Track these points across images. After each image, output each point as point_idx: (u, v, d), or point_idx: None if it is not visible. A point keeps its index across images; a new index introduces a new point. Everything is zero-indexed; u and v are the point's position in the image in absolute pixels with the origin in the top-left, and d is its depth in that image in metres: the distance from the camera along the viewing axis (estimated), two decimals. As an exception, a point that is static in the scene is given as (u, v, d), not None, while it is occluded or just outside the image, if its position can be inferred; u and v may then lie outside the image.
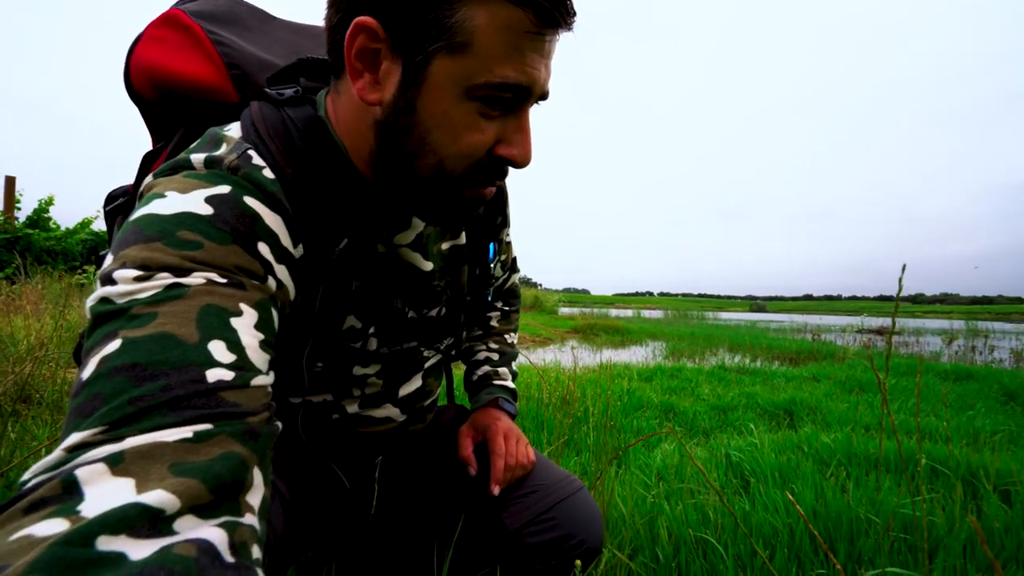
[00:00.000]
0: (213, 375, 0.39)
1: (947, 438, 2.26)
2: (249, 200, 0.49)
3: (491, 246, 0.82)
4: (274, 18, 0.84)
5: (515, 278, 1.05)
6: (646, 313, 22.45)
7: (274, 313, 0.48)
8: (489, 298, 0.86)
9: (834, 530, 1.05)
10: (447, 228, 0.72)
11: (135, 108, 0.79)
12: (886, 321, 15.66)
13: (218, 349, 0.40)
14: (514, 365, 1.00)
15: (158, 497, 0.31)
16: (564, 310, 20.34)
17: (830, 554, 0.57)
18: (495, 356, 0.98)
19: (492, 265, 0.84)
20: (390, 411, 0.77)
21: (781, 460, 1.55)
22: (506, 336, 1.02)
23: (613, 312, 20.46)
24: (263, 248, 0.48)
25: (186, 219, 0.45)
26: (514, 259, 1.01)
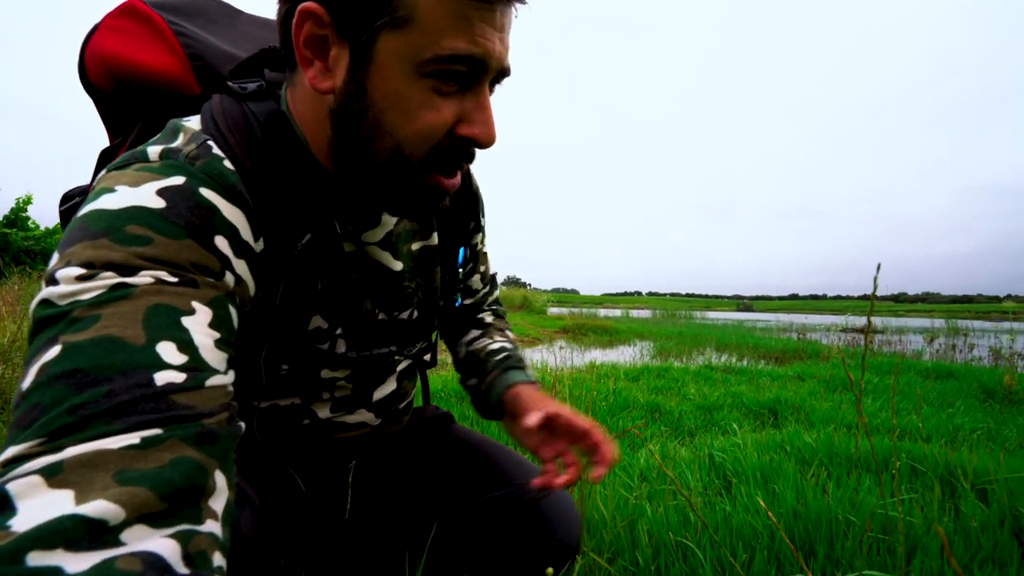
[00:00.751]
0: (162, 378, 0.37)
1: (927, 437, 2.29)
2: (206, 192, 0.47)
3: (461, 250, 0.80)
4: (241, 13, 0.82)
5: (495, 297, 1.00)
6: (635, 313, 22.57)
7: (232, 310, 0.47)
8: (457, 303, 0.84)
9: (814, 531, 1.05)
10: (411, 217, 0.69)
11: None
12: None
13: (167, 350, 0.38)
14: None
15: (99, 508, 0.30)
16: (553, 310, 20.37)
17: (802, 562, 0.56)
18: (510, 345, 0.88)
19: (462, 271, 0.82)
20: (364, 416, 0.75)
21: (763, 460, 1.55)
22: (508, 332, 0.95)
23: (602, 312, 20.54)
24: (220, 242, 0.47)
25: (135, 213, 0.43)
26: (493, 275, 0.97)
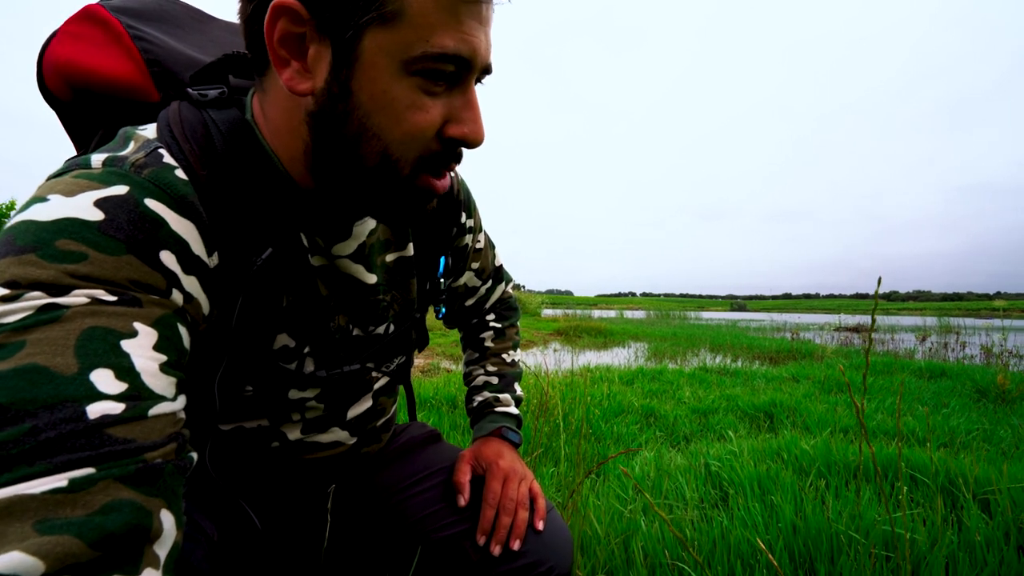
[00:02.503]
0: (96, 410, 0.34)
1: (923, 440, 2.27)
2: (151, 203, 0.43)
3: (442, 260, 0.76)
4: (213, 18, 0.78)
5: (504, 288, 0.98)
6: (629, 314, 22.60)
7: (182, 330, 0.43)
8: (441, 313, 0.80)
9: (814, 548, 1.01)
10: (401, 224, 0.64)
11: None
12: (862, 319, 16.04)
13: (103, 379, 0.35)
14: (518, 387, 0.94)
15: (13, 561, 0.27)
16: (547, 312, 20.37)
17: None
18: (494, 380, 0.92)
19: (444, 281, 0.78)
20: (338, 434, 0.71)
21: (760, 470, 1.51)
22: (504, 356, 0.96)
23: (596, 313, 20.56)
24: (166, 257, 0.43)
25: (68, 226, 0.38)
26: (498, 267, 0.94)
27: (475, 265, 0.87)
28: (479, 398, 0.91)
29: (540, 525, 0.74)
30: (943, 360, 6.63)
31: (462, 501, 0.76)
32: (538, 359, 6.50)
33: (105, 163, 0.44)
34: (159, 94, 0.64)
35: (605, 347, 8.89)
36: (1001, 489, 1.14)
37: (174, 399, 0.40)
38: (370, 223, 0.63)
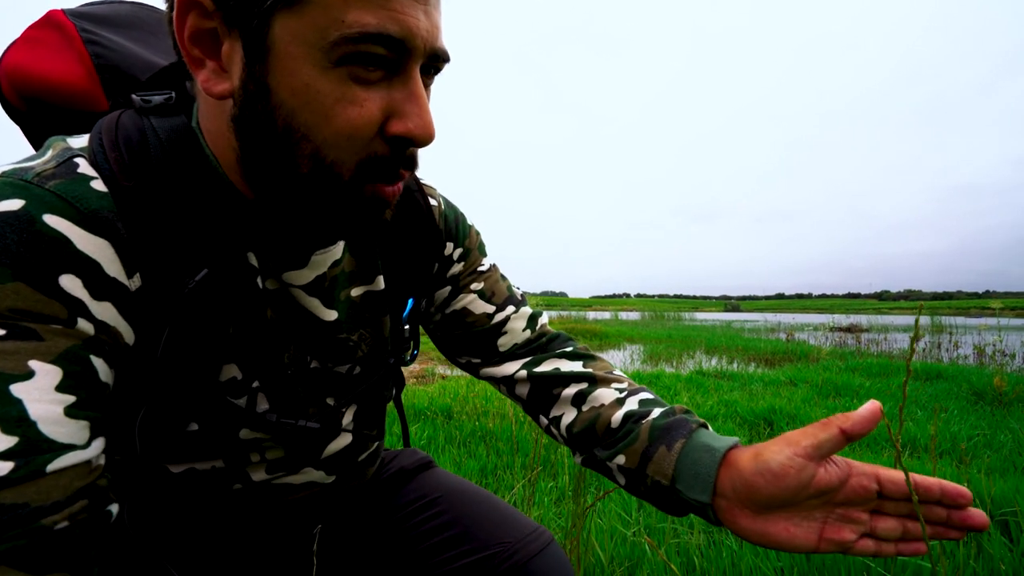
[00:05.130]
0: None
1: (925, 447, 2.23)
2: (52, 219, 0.38)
3: (410, 302, 0.67)
4: None
5: (531, 319, 0.73)
6: (623, 315, 22.62)
7: (97, 362, 0.39)
8: (412, 358, 0.72)
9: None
10: (348, 236, 0.57)
11: None
12: (855, 319, 16.15)
13: None
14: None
15: None
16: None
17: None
18: (649, 395, 0.65)
19: (407, 328, 0.69)
20: (312, 475, 0.62)
21: (767, 487, 1.46)
22: (616, 373, 0.69)
23: (591, 315, 20.55)
24: (68, 281, 0.38)
25: None
26: (513, 291, 0.74)
27: (477, 286, 0.72)
28: (658, 410, 0.60)
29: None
30: (937, 360, 6.65)
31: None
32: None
33: (4, 174, 0.39)
34: (108, 102, 0.59)
35: (600, 350, 8.85)
36: (1022, 511, 1.10)
37: (85, 446, 0.35)
38: (334, 252, 0.56)
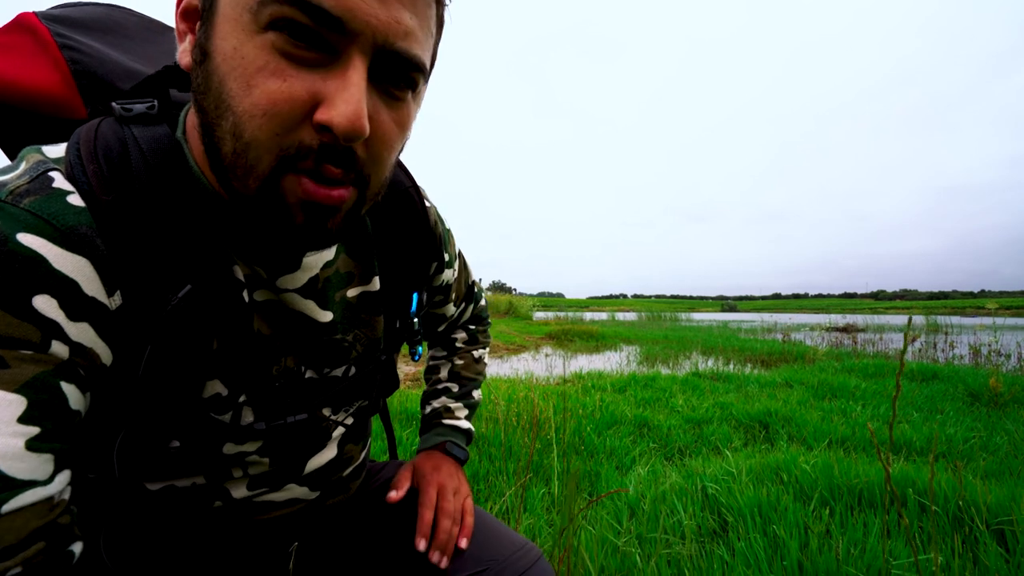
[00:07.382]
0: None
1: (920, 450, 2.22)
2: (26, 237, 0.35)
3: (415, 296, 0.68)
4: (172, 29, 0.70)
5: (477, 305, 0.92)
6: (620, 316, 22.64)
7: (67, 388, 0.37)
8: (418, 355, 0.73)
9: (823, 589, 0.94)
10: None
11: None
12: (851, 319, 16.18)
13: None
14: (476, 393, 0.89)
15: None
16: (539, 315, 20.32)
17: None
18: (454, 387, 0.88)
19: (416, 320, 0.70)
20: (295, 491, 0.61)
21: (760, 494, 1.44)
22: (473, 352, 0.91)
23: (588, 316, 20.56)
24: (43, 303, 0.36)
25: None
26: (470, 287, 0.87)
27: (453, 295, 0.81)
28: (433, 405, 0.87)
29: (463, 543, 0.69)
30: (933, 361, 6.65)
31: (394, 495, 0.72)
32: (529, 366, 6.43)
33: None
34: (87, 110, 0.56)
35: (597, 351, 8.83)
36: (1020, 519, 1.08)
37: (48, 481, 0.34)
38: (325, 254, 0.55)
